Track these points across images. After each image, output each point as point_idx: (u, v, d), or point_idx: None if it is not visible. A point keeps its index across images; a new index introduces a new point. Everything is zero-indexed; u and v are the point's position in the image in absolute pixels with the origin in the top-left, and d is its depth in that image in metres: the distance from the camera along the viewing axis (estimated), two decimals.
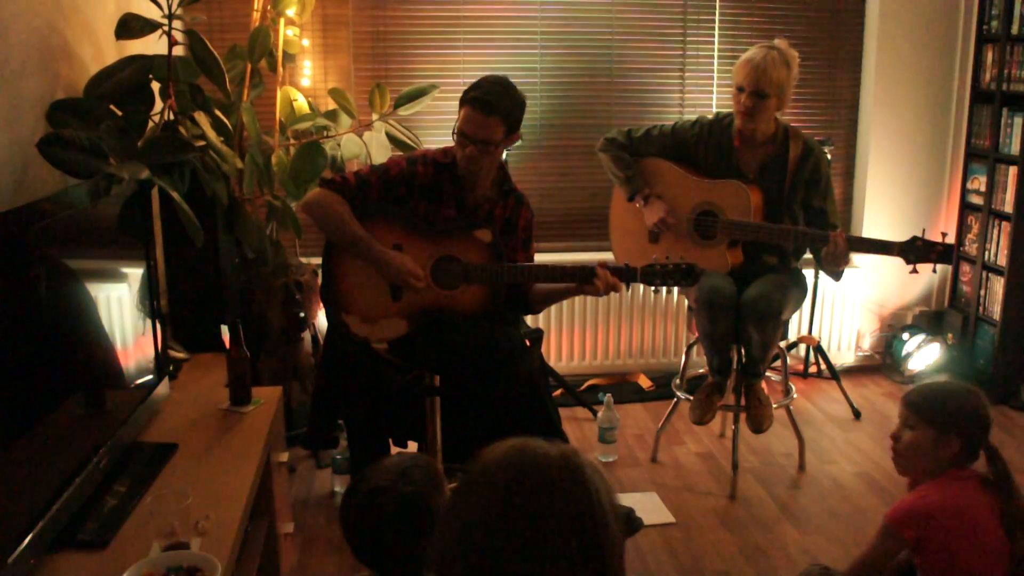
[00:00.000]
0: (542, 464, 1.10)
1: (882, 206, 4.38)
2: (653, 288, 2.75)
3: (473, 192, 2.78)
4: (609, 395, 3.57)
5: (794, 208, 3.19)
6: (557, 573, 1.05)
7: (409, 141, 3.44)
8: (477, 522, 1.08)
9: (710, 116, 3.29)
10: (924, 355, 4.25)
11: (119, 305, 2.13)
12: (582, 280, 2.64)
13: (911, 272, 2.94)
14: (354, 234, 2.65)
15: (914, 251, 2.90)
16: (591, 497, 1.10)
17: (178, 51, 2.66)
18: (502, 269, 2.69)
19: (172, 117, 2.66)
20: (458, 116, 2.66)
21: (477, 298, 2.72)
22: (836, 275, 3.12)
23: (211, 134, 2.67)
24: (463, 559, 1.06)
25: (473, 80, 2.73)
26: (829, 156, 3.36)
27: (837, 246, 2.95)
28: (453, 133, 2.68)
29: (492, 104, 2.60)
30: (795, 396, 3.58)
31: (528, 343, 2.77)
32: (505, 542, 1.06)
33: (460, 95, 2.68)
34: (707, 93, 4.24)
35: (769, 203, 3.17)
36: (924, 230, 3.00)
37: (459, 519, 1.10)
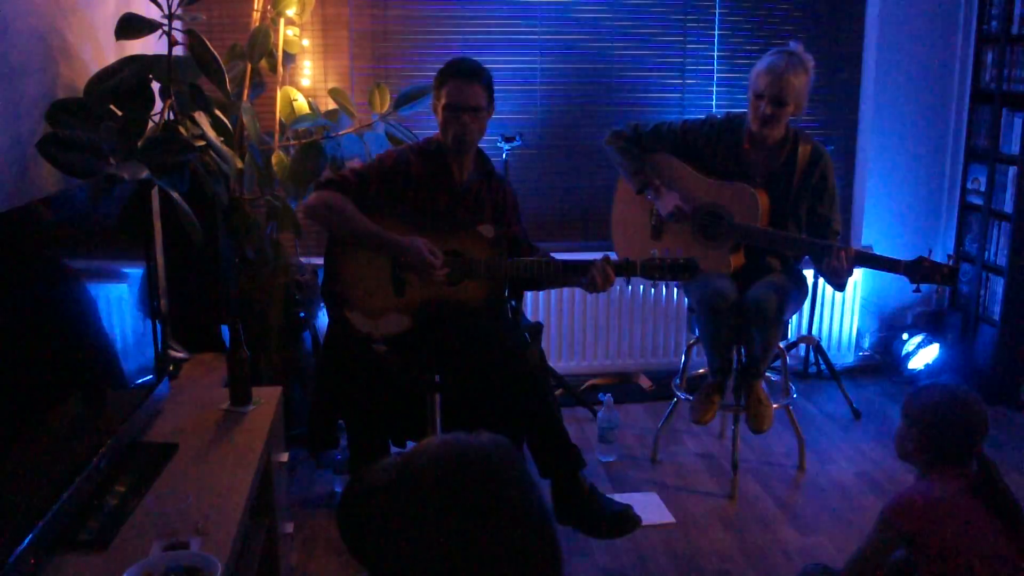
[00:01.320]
0: (481, 454, 1.10)
1: (882, 206, 4.39)
2: (652, 282, 2.78)
3: (460, 174, 2.83)
4: (609, 395, 3.57)
5: (799, 213, 3.19)
6: (517, 559, 1.05)
7: (409, 141, 3.44)
8: (430, 520, 1.06)
9: (720, 116, 3.28)
10: (924, 355, 4.25)
11: (119, 305, 2.13)
12: (579, 276, 2.69)
13: (914, 291, 2.94)
14: (365, 228, 2.69)
15: (920, 271, 2.89)
16: (532, 480, 1.11)
17: (178, 51, 2.66)
18: (504, 264, 2.70)
19: (172, 117, 2.66)
20: (440, 97, 2.76)
21: (479, 292, 2.74)
22: (839, 286, 3.10)
23: (211, 134, 2.68)
24: (420, 560, 1.05)
25: None
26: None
27: (840, 261, 2.93)
28: (442, 110, 2.76)
29: (473, 70, 2.74)
30: (795, 396, 3.58)
31: (528, 338, 2.78)
32: (463, 535, 1.04)
33: (435, 78, 2.81)
34: (707, 93, 4.24)
35: (775, 207, 3.17)
36: (930, 250, 2.99)
37: (408, 520, 1.08)
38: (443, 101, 2.74)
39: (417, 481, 1.09)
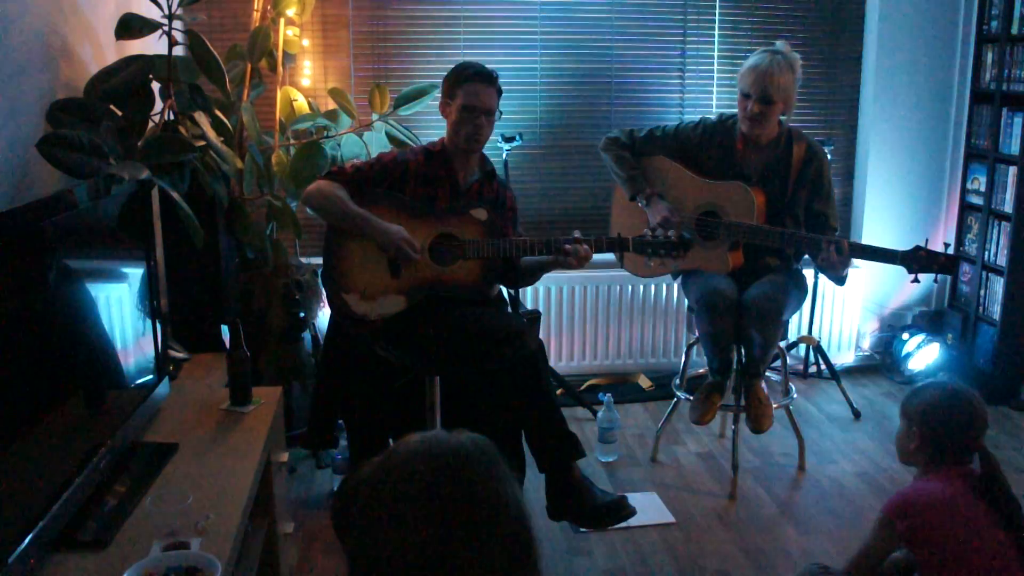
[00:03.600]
0: (458, 452, 1.10)
1: (882, 206, 4.39)
2: (651, 277, 2.81)
3: (464, 174, 2.88)
4: (609, 395, 3.57)
5: (796, 210, 3.19)
6: (492, 556, 1.05)
7: (409, 141, 3.44)
8: (406, 516, 1.06)
9: (713, 117, 3.29)
10: (924, 355, 4.25)
11: (119, 305, 2.13)
12: (557, 252, 2.76)
13: (912, 281, 2.94)
14: (352, 212, 2.74)
15: (917, 261, 2.89)
16: (510, 478, 1.11)
17: (178, 51, 2.66)
18: (495, 243, 2.77)
19: (172, 117, 2.67)
20: (456, 98, 2.80)
21: (473, 273, 2.79)
22: (839, 280, 3.10)
23: (211, 134, 2.68)
24: (396, 555, 1.05)
25: None
26: (829, 156, 3.36)
27: (830, 255, 2.93)
28: (456, 111, 2.80)
29: (490, 75, 2.82)
30: (795, 396, 3.58)
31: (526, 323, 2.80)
32: (442, 534, 1.05)
33: (449, 78, 2.84)
34: (707, 93, 4.24)
35: (772, 205, 3.17)
36: (927, 240, 2.99)
37: (385, 515, 1.08)
38: (459, 102, 2.79)
39: (394, 477, 1.10)
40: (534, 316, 2.90)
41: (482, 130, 2.82)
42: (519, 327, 2.71)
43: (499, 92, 2.86)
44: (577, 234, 2.79)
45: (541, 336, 3.00)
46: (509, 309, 2.97)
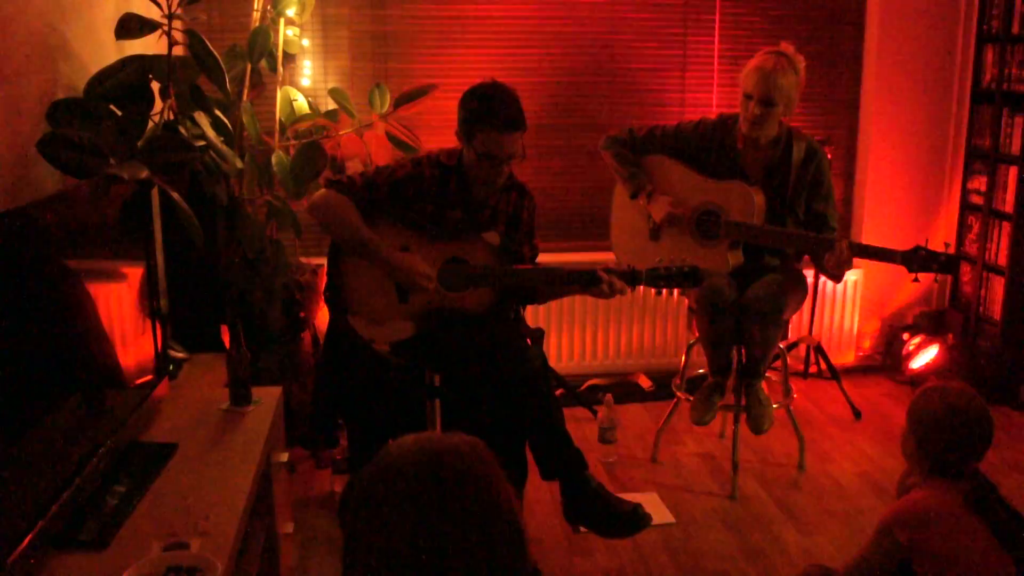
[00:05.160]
0: (454, 452, 1.11)
1: (882, 206, 4.38)
2: (656, 291, 2.77)
3: (480, 190, 2.77)
4: (609, 395, 3.57)
5: (797, 210, 3.19)
6: (487, 558, 1.06)
7: (409, 141, 3.44)
8: (402, 517, 1.07)
9: (713, 117, 3.29)
10: (924, 355, 4.25)
11: (119, 305, 2.13)
12: (588, 284, 2.63)
13: (913, 281, 2.94)
14: (362, 237, 2.63)
15: (917, 260, 2.89)
16: (504, 478, 1.12)
17: (178, 51, 2.66)
18: (508, 272, 2.68)
19: (172, 117, 2.67)
20: (473, 138, 2.60)
21: (483, 300, 2.72)
22: (836, 277, 3.11)
23: (211, 134, 2.68)
24: (391, 556, 1.06)
25: (472, 81, 2.69)
26: (829, 156, 3.36)
27: (843, 253, 2.93)
28: (474, 152, 2.61)
29: (517, 121, 2.59)
30: (795, 396, 3.58)
31: (529, 342, 2.78)
32: (434, 533, 1.05)
33: (468, 113, 2.60)
34: (707, 93, 4.24)
35: (772, 205, 3.17)
36: (927, 240, 2.99)
37: (381, 517, 1.08)
38: (476, 147, 2.60)
39: (386, 477, 1.11)
40: (538, 335, 2.86)
41: (502, 174, 2.67)
42: (522, 346, 2.68)
43: (524, 130, 2.61)
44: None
45: None
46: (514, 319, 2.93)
